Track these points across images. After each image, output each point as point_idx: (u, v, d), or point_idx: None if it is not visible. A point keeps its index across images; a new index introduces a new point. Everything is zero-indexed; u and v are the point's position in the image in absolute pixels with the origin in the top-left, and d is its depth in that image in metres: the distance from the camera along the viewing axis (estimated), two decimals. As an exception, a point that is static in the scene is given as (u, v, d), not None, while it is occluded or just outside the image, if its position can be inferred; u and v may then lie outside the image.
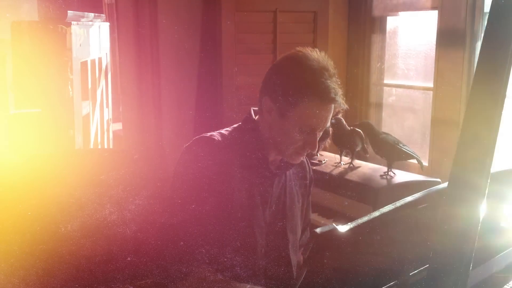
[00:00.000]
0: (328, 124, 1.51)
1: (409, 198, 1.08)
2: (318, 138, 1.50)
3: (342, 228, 0.95)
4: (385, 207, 1.03)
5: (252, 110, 1.61)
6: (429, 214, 1.27)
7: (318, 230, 0.91)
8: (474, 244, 0.86)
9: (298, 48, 1.50)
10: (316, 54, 1.47)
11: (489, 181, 0.87)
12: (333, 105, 1.46)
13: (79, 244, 1.60)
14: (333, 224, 0.94)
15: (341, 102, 1.46)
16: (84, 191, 1.71)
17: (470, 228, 0.85)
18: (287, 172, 1.62)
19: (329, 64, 1.46)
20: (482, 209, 0.87)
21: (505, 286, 1.31)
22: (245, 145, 1.53)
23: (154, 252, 1.48)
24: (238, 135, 1.55)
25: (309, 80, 1.43)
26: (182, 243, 1.42)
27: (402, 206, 1.06)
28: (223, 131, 1.56)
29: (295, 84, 1.45)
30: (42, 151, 3.31)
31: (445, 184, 1.28)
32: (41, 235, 1.58)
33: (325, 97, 1.42)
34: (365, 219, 1.00)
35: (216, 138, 1.51)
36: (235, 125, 1.60)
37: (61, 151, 3.51)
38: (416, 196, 1.11)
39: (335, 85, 1.44)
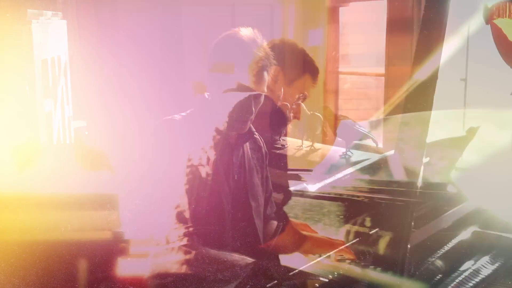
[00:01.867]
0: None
1: (367, 161, 1.24)
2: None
3: (312, 188, 1.10)
4: (347, 169, 1.19)
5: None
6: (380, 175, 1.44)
7: (291, 188, 1.05)
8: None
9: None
10: (248, 31, 1.69)
11: (440, 148, 1.01)
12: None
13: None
14: (304, 183, 1.08)
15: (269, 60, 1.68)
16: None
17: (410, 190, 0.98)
18: (244, 147, 1.79)
19: (258, 37, 1.69)
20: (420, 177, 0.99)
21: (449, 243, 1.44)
22: (203, 122, 1.69)
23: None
24: (195, 114, 1.72)
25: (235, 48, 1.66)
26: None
27: (361, 168, 1.22)
28: (183, 113, 1.72)
29: (221, 52, 1.69)
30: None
31: (390, 152, 1.45)
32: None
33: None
34: (329, 179, 1.15)
35: (177, 118, 1.66)
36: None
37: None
38: (373, 159, 1.27)
39: (261, 53, 1.65)
